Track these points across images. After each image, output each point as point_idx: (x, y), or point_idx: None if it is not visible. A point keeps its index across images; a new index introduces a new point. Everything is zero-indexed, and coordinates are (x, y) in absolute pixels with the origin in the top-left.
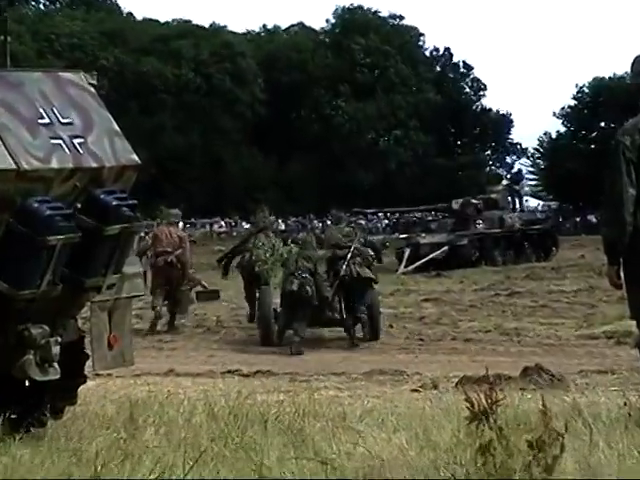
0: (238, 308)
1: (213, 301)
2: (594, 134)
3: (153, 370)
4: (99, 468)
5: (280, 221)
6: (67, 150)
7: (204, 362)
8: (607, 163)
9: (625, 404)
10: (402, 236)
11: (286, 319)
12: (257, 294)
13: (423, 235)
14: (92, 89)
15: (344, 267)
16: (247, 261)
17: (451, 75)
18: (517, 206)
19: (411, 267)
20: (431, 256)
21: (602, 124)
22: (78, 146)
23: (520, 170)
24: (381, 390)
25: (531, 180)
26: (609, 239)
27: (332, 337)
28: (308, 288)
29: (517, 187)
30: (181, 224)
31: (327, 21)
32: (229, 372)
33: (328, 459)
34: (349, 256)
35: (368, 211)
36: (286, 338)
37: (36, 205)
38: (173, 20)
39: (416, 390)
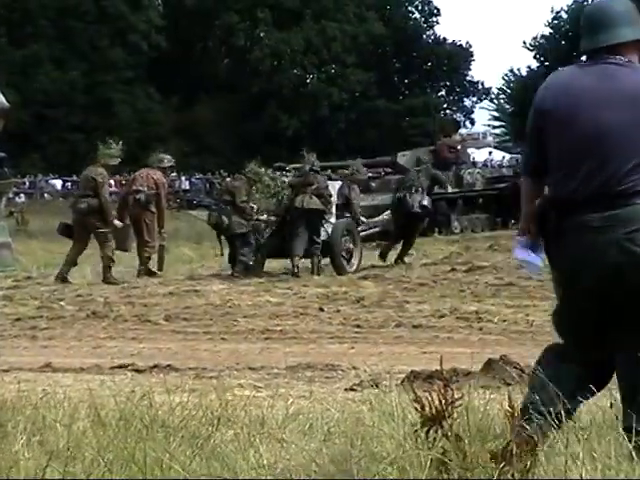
0: (130, 288)
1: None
2: None
3: (25, 364)
4: None
5: (184, 179)
6: None
7: (89, 354)
8: None
9: (611, 406)
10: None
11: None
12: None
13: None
14: None
15: (288, 199)
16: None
17: None
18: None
19: None
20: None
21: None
22: None
23: None
24: (309, 389)
25: (495, 128)
26: None
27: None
28: (224, 218)
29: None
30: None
31: None
32: (120, 367)
33: (242, 475)
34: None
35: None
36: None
37: None
38: None
39: (352, 389)
